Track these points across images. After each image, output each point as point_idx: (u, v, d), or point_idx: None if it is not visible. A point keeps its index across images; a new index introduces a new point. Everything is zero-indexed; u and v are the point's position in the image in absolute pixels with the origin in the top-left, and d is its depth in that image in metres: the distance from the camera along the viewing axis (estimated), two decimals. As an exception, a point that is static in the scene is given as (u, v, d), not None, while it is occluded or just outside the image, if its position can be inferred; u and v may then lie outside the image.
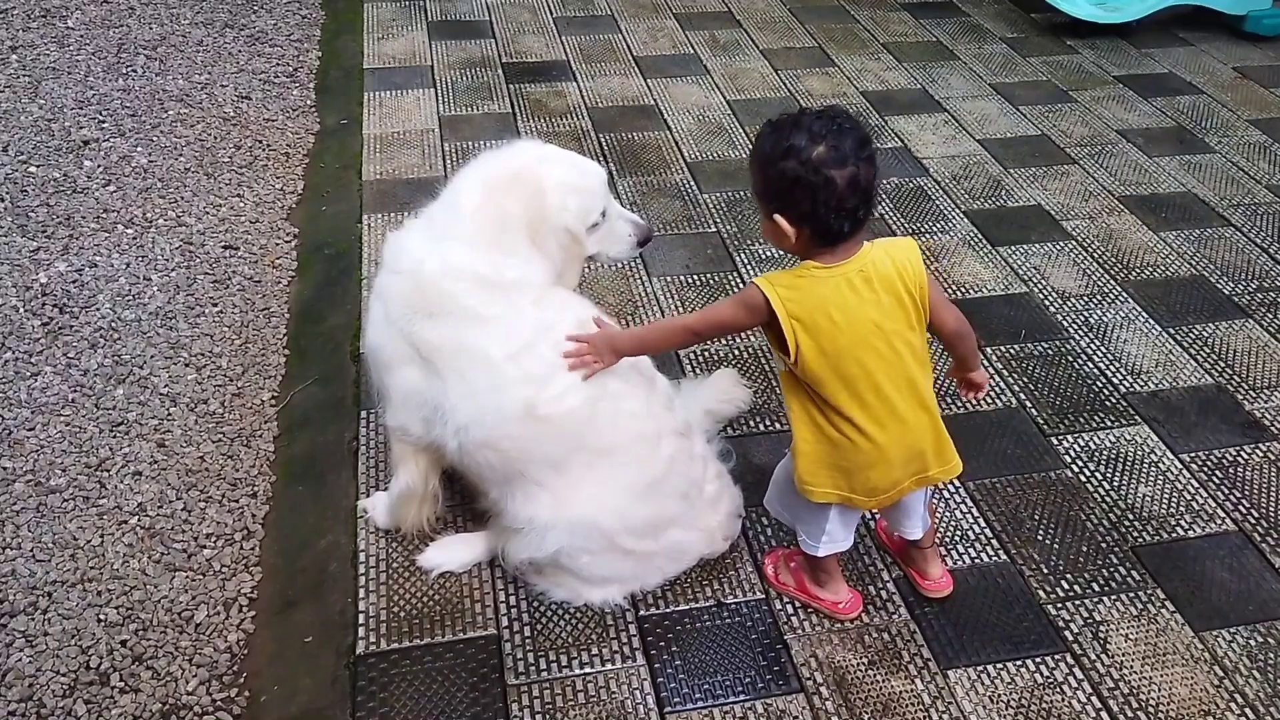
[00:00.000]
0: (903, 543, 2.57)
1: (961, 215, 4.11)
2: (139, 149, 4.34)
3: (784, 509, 2.48)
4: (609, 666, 2.39)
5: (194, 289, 3.57)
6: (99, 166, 4.20)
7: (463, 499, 2.70)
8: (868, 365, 2.11)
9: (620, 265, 3.71)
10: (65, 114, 4.55)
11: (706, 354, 3.35)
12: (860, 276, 2.08)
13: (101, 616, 2.49)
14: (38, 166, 4.17)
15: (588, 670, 2.38)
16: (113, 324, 3.40)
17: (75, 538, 2.68)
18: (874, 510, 2.50)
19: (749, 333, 3.43)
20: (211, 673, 2.38)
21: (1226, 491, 2.90)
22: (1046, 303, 3.64)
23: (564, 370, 2.28)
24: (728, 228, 3.98)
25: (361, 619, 2.46)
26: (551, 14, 5.75)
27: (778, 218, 2.05)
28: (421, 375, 2.34)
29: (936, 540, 2.64)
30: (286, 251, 3.81)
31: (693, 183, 4.24)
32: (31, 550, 2.65)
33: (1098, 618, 2.54)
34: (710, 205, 4.10)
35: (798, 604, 2.54)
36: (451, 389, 2.29)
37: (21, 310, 3.43)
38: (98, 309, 3.46)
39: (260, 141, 4.45)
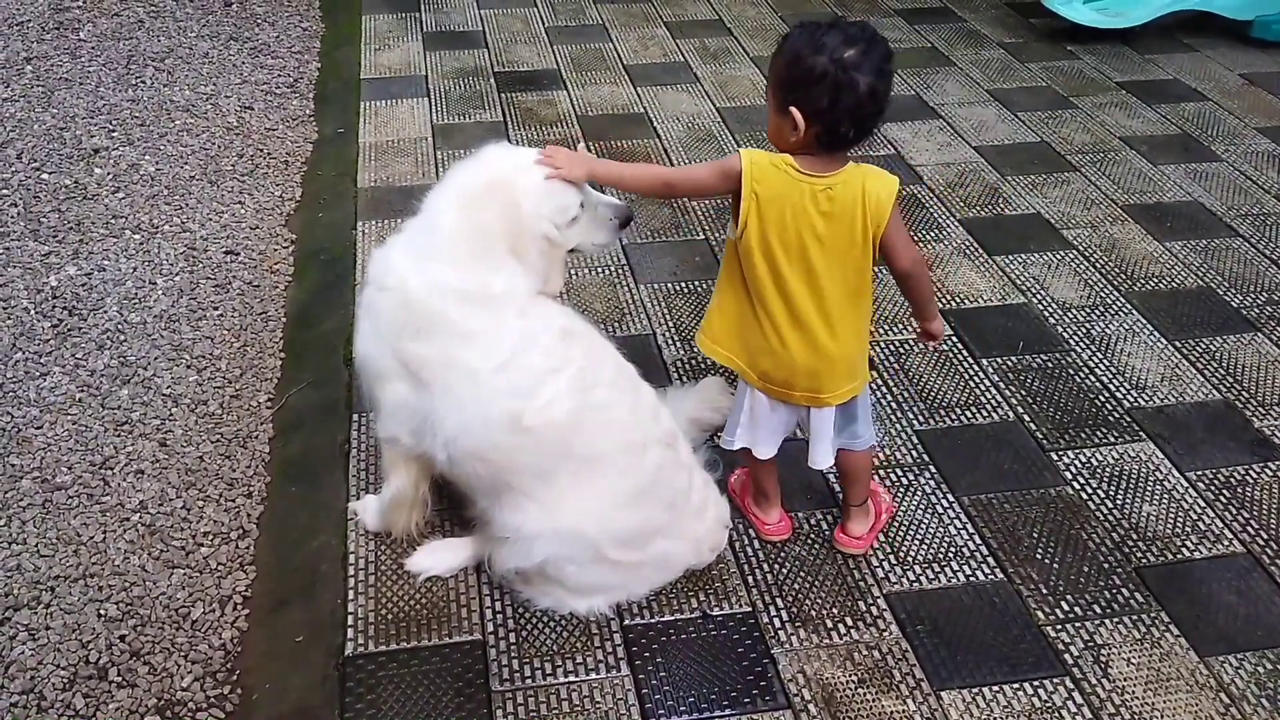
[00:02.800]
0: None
1: (957, 223, 4.03)
2: (147, 157, 4.45)
3: (734, 423, 2.58)
4: (593, 676, 2.37)
5: (196, 293, 3.67)
6: (108, 174, 4.33)
7: (451, 505, 2.68)
8: (794, 272, 2.28)
9: (608, 272, 3.68)
10: (77, 123, 4.67)
11: (693, 363, 3.28)
12: (825, 195, 2.21)
13: (102, 612, 2.55)
14: (50, 174, 4.31)
15: (572, 679, 2.36)
16: (119, 326, 3.49)
17: (79, 534, 2.75)
18: (765, 395, 2.49)
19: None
20: (206, 669, 2.42)
21: (1235, 512, 2.80)
22: (1046, 314, 3.54)
23: (549, 380, 2.28)
24: (716, 235, 3.91)
25: (351, 620, 2.48)
26: (543, 24, 5.74)
27: (793, 109, 2.15)
28: (410, 389, 2.35)
29: (876, 509, 2.72)
30: (284, 257, 3.90)
31: (683, 189, 4.17)
32: (36, 545, 2.71)
33: (1099, 640, 2.45)
34: (698, 212, 4.04)
35: (785, 617, 2.50)
36: (439, 402, 2.30)
37: (33, 312, 3.54)
38: (105, 312, 3.55)
39: (261, 150, 4.55)
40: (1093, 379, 3.25)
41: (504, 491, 2.34)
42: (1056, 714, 2.29)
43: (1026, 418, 3.09)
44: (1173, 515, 2.79)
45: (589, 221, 2.48)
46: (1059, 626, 2.48)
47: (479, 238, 2.30)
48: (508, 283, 2.31)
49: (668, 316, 3.48)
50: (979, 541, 2.69)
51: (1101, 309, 3.57)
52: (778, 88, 2.20)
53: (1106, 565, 2.64)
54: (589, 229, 2.48)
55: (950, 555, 2.65)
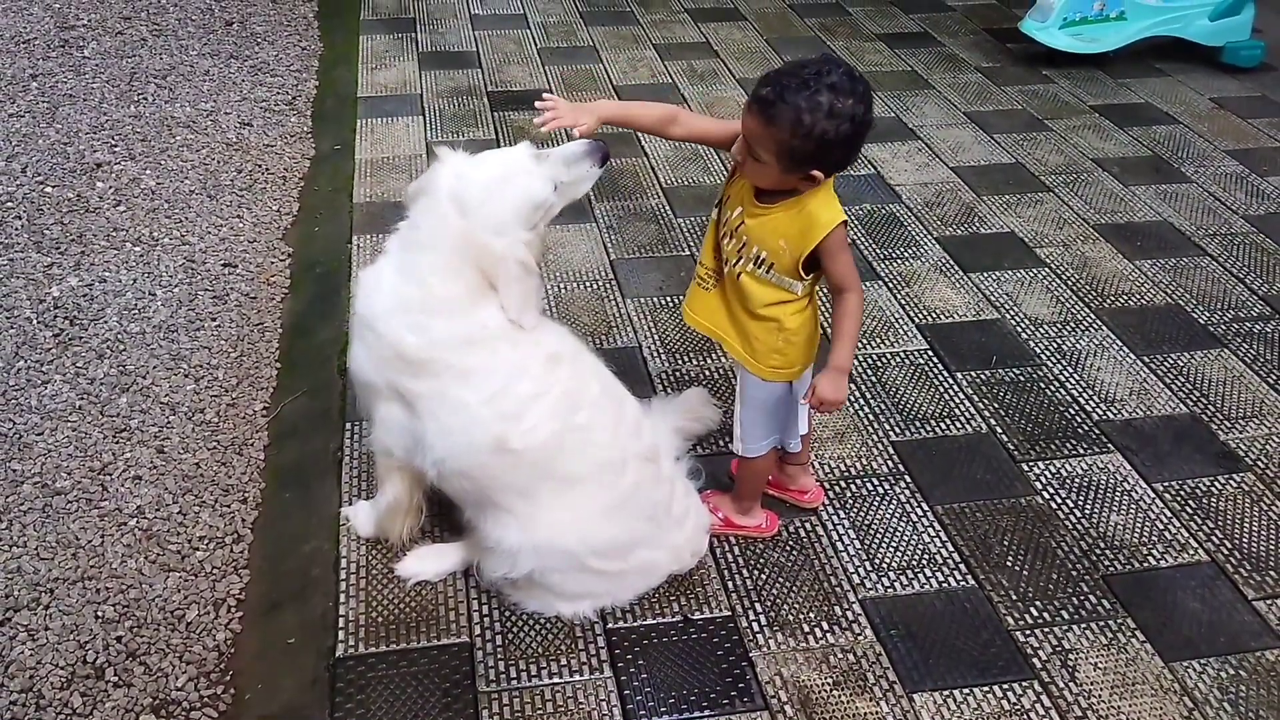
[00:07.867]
0: (778, 465, 2.81)
1: (933, 241, 4.11)
2: (148, 172, 4.50)
3: (771, 429, 2.62)
4: (577, 677, 2.42)
5: (195, 304, 3.72)
6: (110, 188, 4.38)
7: (441, 510, 2.73)
8: None
9: (596, 286, 3.75)
10: (80, 138, 4.73)
11: (678, 374, 3.34)
12: None
13: (99, 613, 2.59)
14: (53, 187, 4.36)
15: (556, 680, 2.41)
16: (119, 336, 3.54)
17: (77, 537, 2.79)
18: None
19: (720, 354, 3.41)
20: (200, 670, 2.46)
21: (1200, 522, 2.87)
22: (1019, 329, 3.62)
23: (535, 405, 2.32)
24: (700, 251, 3.95)
25: (341, 623, 2.53)
26: (536, 45, 5.81)
27: (816, 172, 2.19)
28: (403, 411, 2.39)
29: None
30: (281, 270, 3.95)
31: (668, 207, 4.25)
32: (36, 548, 2.76)
33: (1067, 645, 2.51)
34: (684, 229, 4.11)
35: (763, 621, 2.55)
36: (429, 427, 2.34)
37: (35, 321, 3.59)
38: (105, 321, 3.60)
39: (260, 166, 4.60)
40: (1063, 392, 3.33)
41: (488, 505, 2.39)
42: (1025, 716, 2.34)
43: (999, 429, 3.17)
44: (1139, 525, 2.86)
45: (573, 180, 2.39)
46: (1028, 632, 2.54)
47: (468, 288, 2.29)
48: (499, 314, 2.31)
49: (654, 330, 3.54)
50: (952, 549, 2.75)
51: (1072, 325, 3.65)
52: (790, 159, 2.16)
53: (1075, 573, 2.70)
54: (574, 186, 2.41)
55: (924, 562, 2.71)
